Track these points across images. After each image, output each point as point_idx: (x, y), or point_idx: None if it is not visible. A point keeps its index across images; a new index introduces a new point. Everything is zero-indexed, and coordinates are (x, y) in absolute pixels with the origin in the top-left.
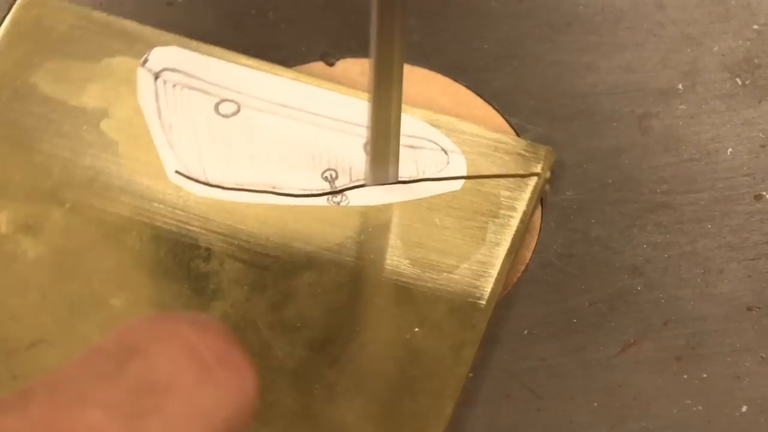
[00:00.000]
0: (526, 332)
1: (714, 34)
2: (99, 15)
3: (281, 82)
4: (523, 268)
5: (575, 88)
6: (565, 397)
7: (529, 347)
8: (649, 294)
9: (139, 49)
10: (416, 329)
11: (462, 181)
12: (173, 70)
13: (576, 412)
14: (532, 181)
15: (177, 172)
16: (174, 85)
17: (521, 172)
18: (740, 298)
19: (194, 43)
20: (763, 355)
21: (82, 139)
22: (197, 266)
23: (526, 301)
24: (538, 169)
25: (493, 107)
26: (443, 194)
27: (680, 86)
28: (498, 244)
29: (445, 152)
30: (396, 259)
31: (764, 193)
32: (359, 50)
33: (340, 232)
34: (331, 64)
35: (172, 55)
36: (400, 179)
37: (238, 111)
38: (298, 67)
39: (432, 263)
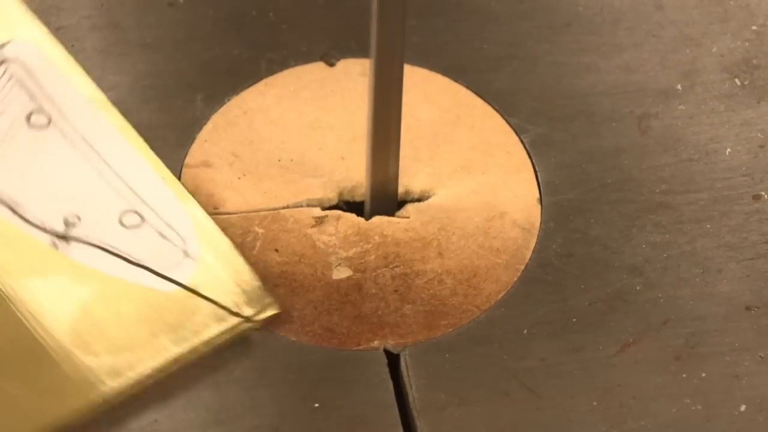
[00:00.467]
0: (525, 332)
1: (713, 34)
2: None
3: (111, 134)
4: (522, 267)
5: (575, 89)
6: (564, 396)
7: (529, 347)
8: (648, 293)
9: (7, 27)
10: None
11: (174, 286)
12: (22, 64)
13: (575, 411)
14: (233, 320)
15: None
16: (10, 78)
17: (232, 307)
18: (739, 298)
19: (62, 47)
20: (762, 355)
21: None
22: None
23: (525, 301)
24: (247, 312)
25: (493, 107)
26: (148, 289)
27: (679, 87)
28: (160, 353)
29: (186, 254)
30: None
31: (763, 193)
32: (360, 51)
33: (28, 269)
34: (331, 65)
35: (32, 49)
36: (127, 256)
37: (47, 125)
38: (299, 67)
39: (86, 343)
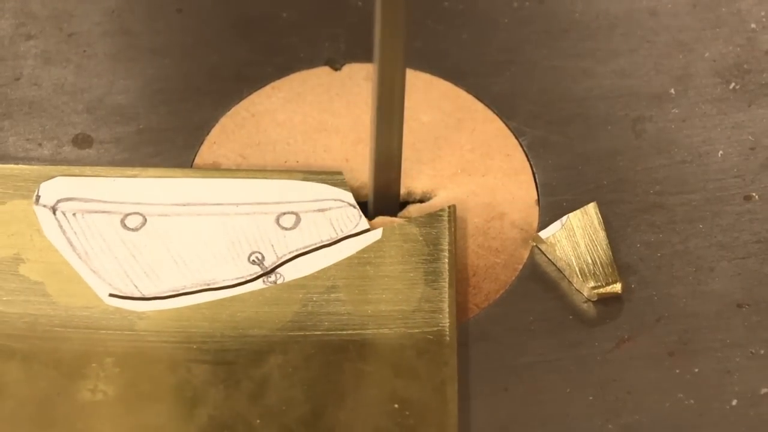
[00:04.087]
0: (523, 329)
1: (705, 40)
2: None
3: (174, 184)
4: (520, 267)
5: (571, 93)
6: (561, 391)
7: (527, 343)
8: (642, 291)
9: (25, 188)
10: (395, 381)
11: (380, 230)
12: (67, 199)
13: (572, 405)
14: (445, 212)
15: (111, 295)
16: (74, 214)
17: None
18: (731, 296)
19: (76, 169)
20: (753, 351)
21: (6, 289)
22: (166, 379)
23: (523, 299)
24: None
25: (493, 111)
26: (368, 247)
27: (673, 91)
28: (438, 279)
29: (354, 206)
30: (350, 319)
31: (754, 194)
32: (364, 56)
33: (288, 308)
34: (336, 69)
35: (60, 185)
36: (323, 243)
37: (144, 222)
38: (305, 72)
39: (385, 314)
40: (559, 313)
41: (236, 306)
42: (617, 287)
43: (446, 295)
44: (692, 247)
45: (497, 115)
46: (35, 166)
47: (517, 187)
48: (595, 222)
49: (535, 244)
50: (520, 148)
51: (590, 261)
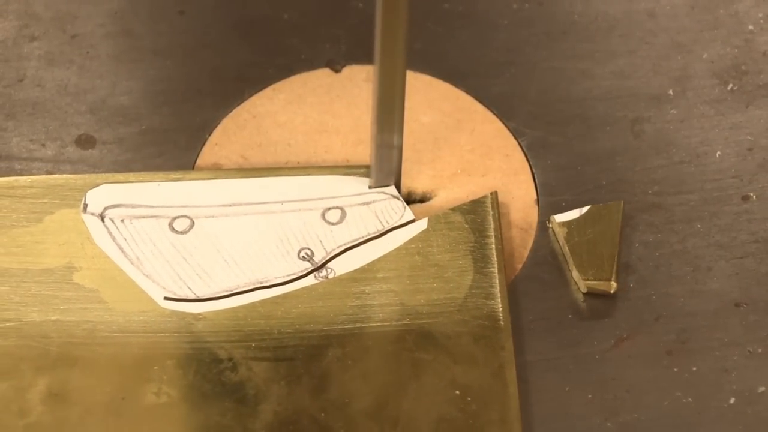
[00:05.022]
0: (523, 327)
1: (703, 42)
2: (18, 180)
3: (218, 185)
4: (520, 266)
5: (571, 94)
6: (560, 390)
7: (527, 341)
8: (641, 291)
9: (71, 198)
10: (454, 368)
11: (426, 220)
12: (114, 206)
13: (571, 403)
14: (488, 199)
15: (166, 298)
16: (122, 220)
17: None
18: (728, 295)
19: (120, 176)
20: (750, 350)
21: (61, 298)
22: (229, 378)
23: (523, 298)
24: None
25: (492, 112)
26: (415, 237)
27: (671, 92)
28: (487, 265)
29: (397, 198)
30: (403, 309)
31: (751, 194)
32: (364, 57)
33: (341, 302)
34: (337, 71)
35: (106, 193)
36: (370, 235)
37: (192, 224)
38: (306, 73)
39: (438, 302)
40: (558, 313)
41: (290, 302)
42: (610, 286)
43: (496, 281)
44: (690, 246)
45: (497, 115)
46: (80, 175)
47: (516, 188)
48: (614, 220)
49: (551, 225)
50: (519, 149)
51: (594, 253)
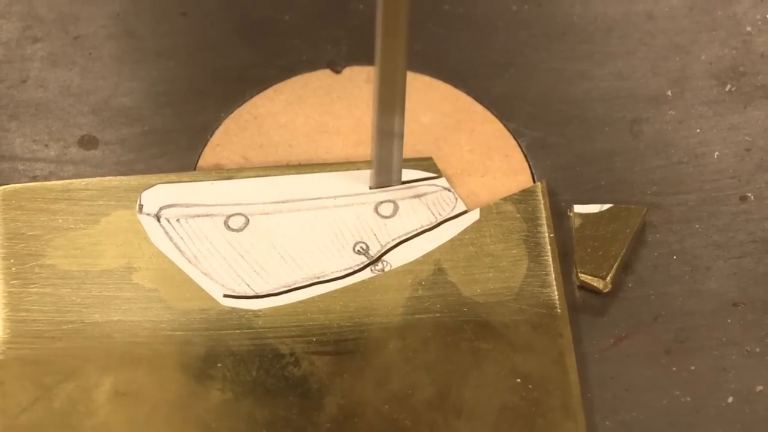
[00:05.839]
0: None
1: (702, 43)
2: (73, 183)
3: (270, 182)
4: None
5: (570, 95)
6: None
7: None
8: (639, 290)
9: (126, 199)
10: (514, 356)
11: (478, 210)
12: (169, 206)
13: None
14: (538, 188)
15: (225, 295)
16: (177, 219)
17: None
18: (726, 295)
19: (174, 176)
20: (748, 349)
21: (122, 298)
22: (292, 373)
23: None
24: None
25: (492, 113)
26: (468, 228)
27: (669, 93)
28: (541, 254)
29: (449, 190)
30: (460, 299)
31: (749, 195)
32: (365, 58)
33: (399, 294)
34: (338, 72)
35: (161, 193)
36: (423, 228)
37: (247, 221)
38: (307, 74)
39: (494, 292)
40: None
41: (348, 296)
42: (603, 284)
43: (551, 269)
44: (689, 246)
45: (496, 116)
46: (133, 176)
47: (516, 188)
48: (632, 223)
49: (571, 214)
50: (519, 149)
51: (599, 250)
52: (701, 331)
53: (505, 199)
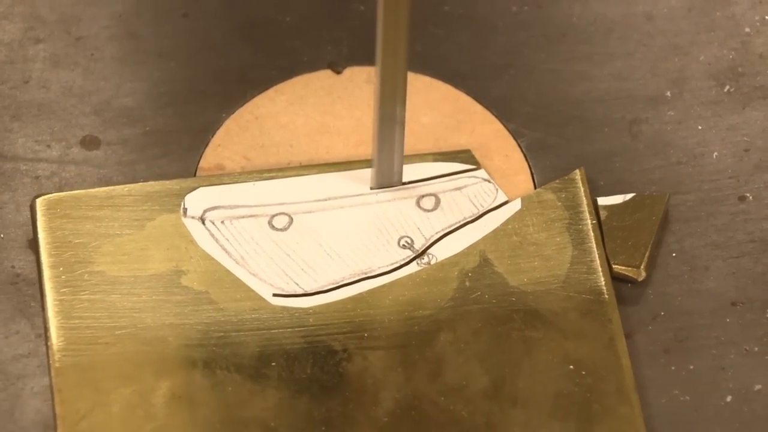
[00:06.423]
0: None
1: (700, 44)
2: (116, 189)
3: (311, 180)
4: None
5: (569, 95)
6: None
7: None
8: (639, 290)
9: (170, 203)
10: (565, 343)
11: (519, 200)
12: (213, 208)
13: None
14: (577, 175)
15: (275, 295)
16: (222, 221)
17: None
18: (725, 294)
19: (215, 178)
20: (747, 348)
21: (173, 302)
22: (346, 369)
23: None
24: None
25: (492, 113)
26: (511, 218)
27: (668, 93)
28: (585, 241)
29: (488, 181)
30: (508, 289)
31: (748, 195)
32: (366, 59)
33: (447, 286)
34: (338, 72)
35: (204, 195)
36: (466, 220)
37: (291, 221)
38: (308, 75)
39: (541, 280)
40: None
41: (396, 290)
42: (639, 273)
43: (596, 255)
44: (687, 246)
45: (496, 117)
46: (175, 180)
47: (515, 188)
48: (657, 210)
49: (598, 203)
50: (518, 150)
51: (629, 240)
52: (700, 331)
53: (545, 188)
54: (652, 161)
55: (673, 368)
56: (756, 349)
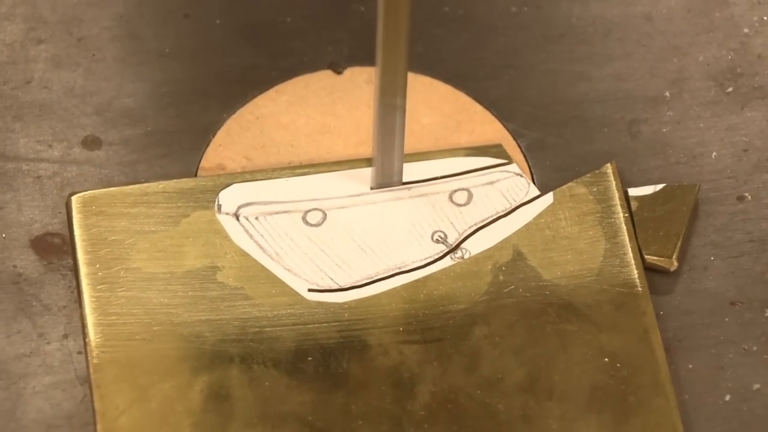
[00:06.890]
0: None
1: (699, 44)
2: (150, 186)
3: (344, 176)
4: None
5: (568, 96)
6: None
7: None
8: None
9: (204, 200)
10: (600, 336)
11: (551, 194)
12: (247, 204)
13: None
14: (608, 169)
15: (310, 290)
16: (256, 217)
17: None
18: (724, 294)
19: (248, 174)
20: (746, 347)
21: (209, 297)
22: (382, 363)
23: None
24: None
25: (492, 113)
26: (543, 212)
27: (667, 94)
28: (617, 234)
29: (520, 175)
30: (541, 283)
31: (746, 195)
32: (366, 59)
33: (481, 280)
34: (339, 73)
35: (238, 192)
36: (498, 214)
37: (325, 216)
38: (308, 75)
39: (574, 274)
40: None
41: (431, 285)
42: (671, 263)
43: (629, 248)
44: (687, 246)
45: (496, 117)
46: (209, 176)
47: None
48: (687, 200)
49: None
50: (518, 150)
51: (660, 230)
52: (699, 330)
53: (577, 182)
54: (652, 161)
55: (672, 367)
56: (755, 348)
